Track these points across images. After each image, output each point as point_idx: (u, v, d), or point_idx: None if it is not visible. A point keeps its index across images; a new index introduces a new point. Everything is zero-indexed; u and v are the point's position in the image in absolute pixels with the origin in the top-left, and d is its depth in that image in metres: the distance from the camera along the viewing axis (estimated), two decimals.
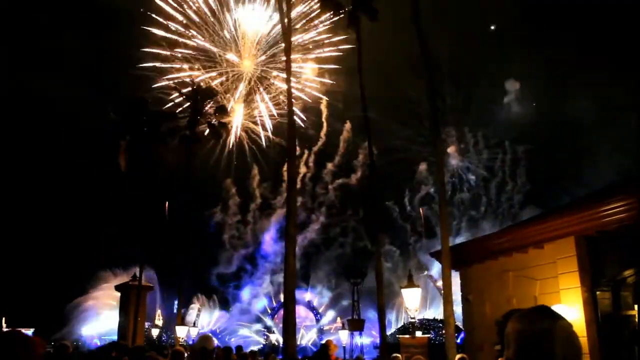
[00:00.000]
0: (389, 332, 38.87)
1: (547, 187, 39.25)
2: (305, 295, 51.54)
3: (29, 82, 37.95)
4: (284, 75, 44.95)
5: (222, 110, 37.50)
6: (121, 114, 31.25)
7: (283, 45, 42.73)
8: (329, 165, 49.59)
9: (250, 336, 48.87)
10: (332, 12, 28.10)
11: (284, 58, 24.10)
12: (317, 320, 51.50)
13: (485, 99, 45.41)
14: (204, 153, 46.79)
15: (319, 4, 31.27)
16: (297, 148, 49.11)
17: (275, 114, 48.38)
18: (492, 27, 41.83)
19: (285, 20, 22.51)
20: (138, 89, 43.21)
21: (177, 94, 42.65)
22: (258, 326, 50.68)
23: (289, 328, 16.85)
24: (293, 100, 23.15)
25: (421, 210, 47.29)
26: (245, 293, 52.45)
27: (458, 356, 10.66)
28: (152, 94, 44.42)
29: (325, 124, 49.11)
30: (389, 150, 44.94)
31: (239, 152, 50.16)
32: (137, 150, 29.46)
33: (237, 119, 48.39)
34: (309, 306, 52.03)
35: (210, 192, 49.73)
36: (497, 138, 46.29)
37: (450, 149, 47.38)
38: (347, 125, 48.19)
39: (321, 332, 49.62)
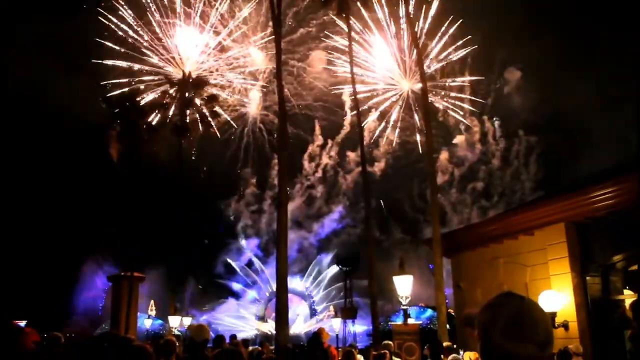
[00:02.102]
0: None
1: (555, 175, 39.45)
2: (299, 283, 51.76)
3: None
4: (299, 64, 44.26)
5: (213, 100, 37.32)
6: (112, 105, 31.05)
7: (295, 32, 42.25)
8: (352, 155, 49.32)
9: (243, 325, 48.99)
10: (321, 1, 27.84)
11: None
12: (311, 309, 51.73)
13: (496, 88, 45.37)
14: (219, 144, 46.82)
15: None
16: (320, 138, 49.21)
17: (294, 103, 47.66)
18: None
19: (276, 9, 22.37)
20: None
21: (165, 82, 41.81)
22: (251, 315, 50.86)
23: (282, 316, 16.94)
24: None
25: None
26: (238, 284, 52.67)
27: (445, 344, 10.74)
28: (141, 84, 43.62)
29: (348, 113, 48.50)
30: (404, 140, 45.29)
31: (258, 143, 49.75)
32: (129, 141, 29.30)
33: (254, 109, 47.64)
34: (303, 295, 52.25)
35: (227, 182, 49.85)
36: (511, 127, 46.32)
37: (459, 139, 47.21)
38: (374, 114, 47.61)
39: (314, 318, 49.89)
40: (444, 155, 47.18)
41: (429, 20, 42.02)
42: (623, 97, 32.54)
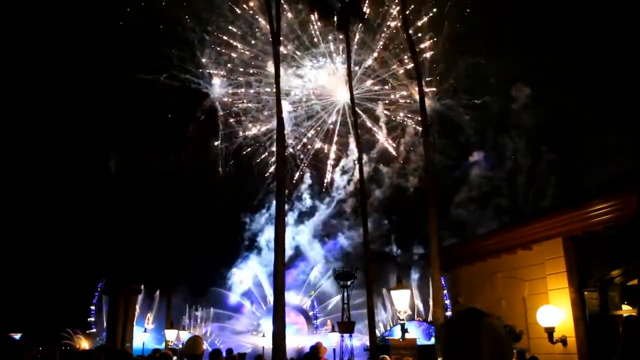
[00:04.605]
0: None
1: (570, 189, 39.59)
2: (297, 298, 51.61)
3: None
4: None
5: (212, 112, 37.45)
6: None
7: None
8: (385, 170, 49.26)
9: (239, 339, 48.67)
10: (320, 16, 28.26)
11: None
12: (309, 323, 51.45)
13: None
14: (246, 157, 47.05)
15: (308, 7, 31.15)
16: (355, 152, 49.14)
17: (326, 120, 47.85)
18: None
19: (275, 24, 22.45)
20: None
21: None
22: (250, 329, 50.59)
23: (279, 330, 16.80)
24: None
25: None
26: (234, 296, 52.48)
27: None
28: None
29: (384, 128, 48.47)
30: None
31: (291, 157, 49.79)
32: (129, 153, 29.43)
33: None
34: (300, 309, 52.01)
35: (254, 196, 49.93)
36: (531, 144, 46.39)
37: (475, 156, 47.19)
38: (410, 129, 47.68)
39: (313, 333, 49.58)
40: (476, 172, 47.25)
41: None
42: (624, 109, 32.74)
